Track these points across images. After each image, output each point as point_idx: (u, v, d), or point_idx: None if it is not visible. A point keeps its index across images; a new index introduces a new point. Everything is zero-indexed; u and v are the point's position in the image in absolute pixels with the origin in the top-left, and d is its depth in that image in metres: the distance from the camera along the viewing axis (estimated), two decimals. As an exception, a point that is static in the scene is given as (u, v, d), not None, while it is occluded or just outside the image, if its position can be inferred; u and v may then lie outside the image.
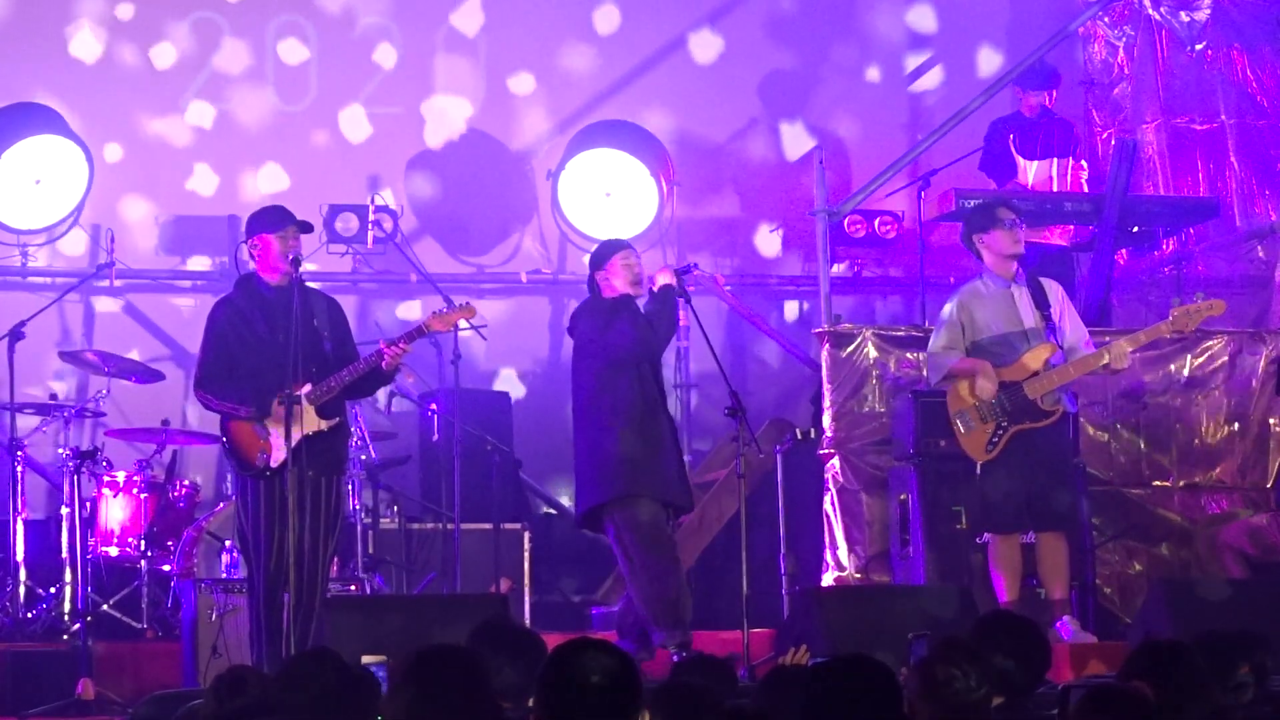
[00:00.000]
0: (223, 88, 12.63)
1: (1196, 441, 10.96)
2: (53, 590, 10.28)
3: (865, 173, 12.44)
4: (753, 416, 9.93)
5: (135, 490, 10.49)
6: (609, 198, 12.80)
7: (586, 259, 9.42)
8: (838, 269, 12.44)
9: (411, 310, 12.45)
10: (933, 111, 12.94)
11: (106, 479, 10.52)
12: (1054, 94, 11.84)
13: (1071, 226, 11.71)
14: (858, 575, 10.56)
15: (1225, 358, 11.02)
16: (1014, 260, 9.57)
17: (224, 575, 9.79)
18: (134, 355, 11.62)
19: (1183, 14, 12.19)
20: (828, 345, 10.86)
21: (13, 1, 12.40)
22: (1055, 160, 11.77)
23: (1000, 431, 9.35)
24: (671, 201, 12.82)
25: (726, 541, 11.23)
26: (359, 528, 10.44)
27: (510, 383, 12.67)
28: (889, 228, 12.64)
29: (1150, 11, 12.27)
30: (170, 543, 10.37)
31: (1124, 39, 12.52)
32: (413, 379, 11.71)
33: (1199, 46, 12.19)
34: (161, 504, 10.51)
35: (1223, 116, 12.19)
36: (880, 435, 10.69)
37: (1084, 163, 11.98)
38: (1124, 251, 12.12)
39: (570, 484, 12.32)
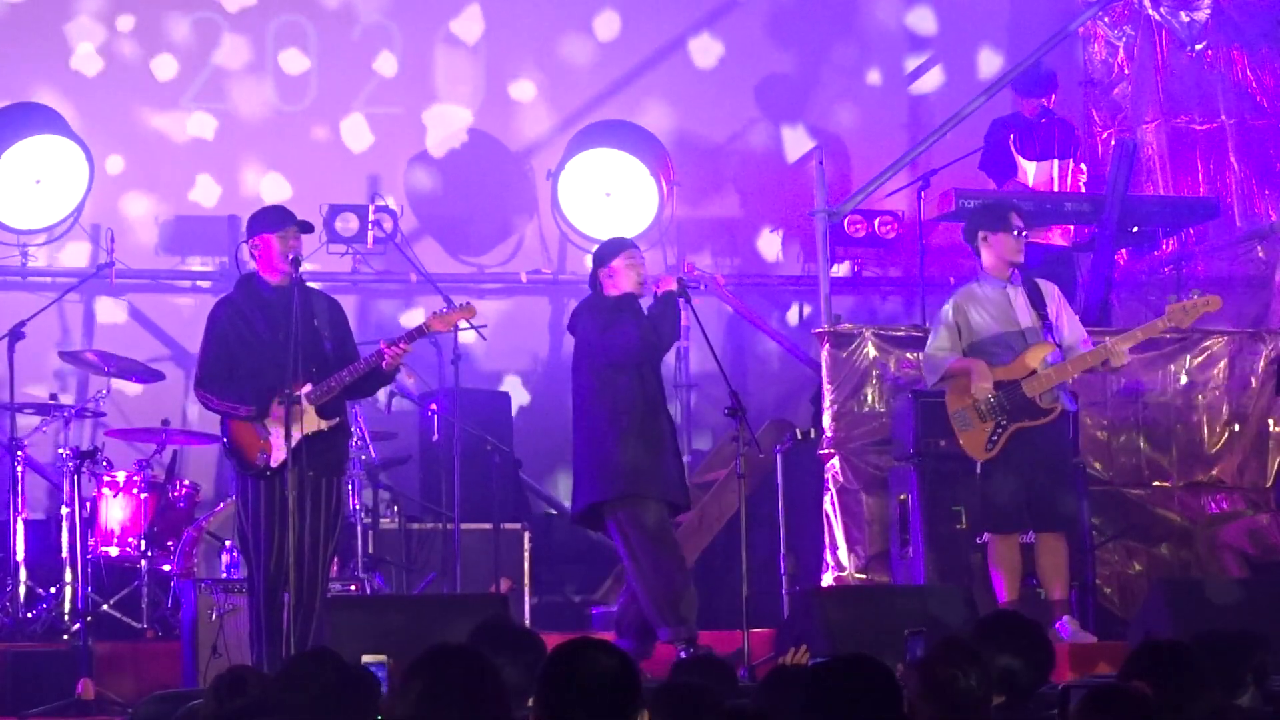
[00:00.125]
0: (223, 87, 12.63)
1: (1196, 441, 10.97)
2: (53, 590, 10.28)
3: (865, 173, 12.44)
4: (753, 416, 9.94)
5: (135, 490, 10.49)
6: (609, 198, 12.80)
7: (589, 259, 9.43)
8: (838, 269, 12.44)
9: (414, 317, 12.44)
10: (933, 112, 12.94)
11: (106, 479, 10.52)
12: (1052, 97, 11.84)
13: (1072, 226, 11.71)
14: (858, 575, 10.56)
15: (1225, 358, 11.02)
16: (1013, 266, 9.57)
17: (224, 575, 9.79)
18: (134, 355, 11.62)
19: (1183, 14, 12.19)
20: (828, 345, 10.86)
21: (13, 4, 12.41)
22: (1056, 161, 11.77)
23: (999, 430, 9.35)
24: (671, 201, 12.82)
25: (726, 541, 11.22)
26: (359, 528, 10.44)
27: (510, 383, 12.67)
28: (889, 228, 12.64)
29: (1150, 11, 12.27)
30: (170, 543, 10.37)
31: (1124, 39, 12.52)
32: (413, 379, 11.71)
33: (1199, 46, 12.18)
34: (161, 504, 10.51)
35: (1222, 116, 12.19)
36: (880, 435, 10.69)
37: (1083, 165, 11.97)
38: (1124, 251, 12.12)
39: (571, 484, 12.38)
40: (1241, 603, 8.75)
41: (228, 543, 9.91)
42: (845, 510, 10.65)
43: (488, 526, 10.85)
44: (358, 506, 10.48)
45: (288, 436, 8.18)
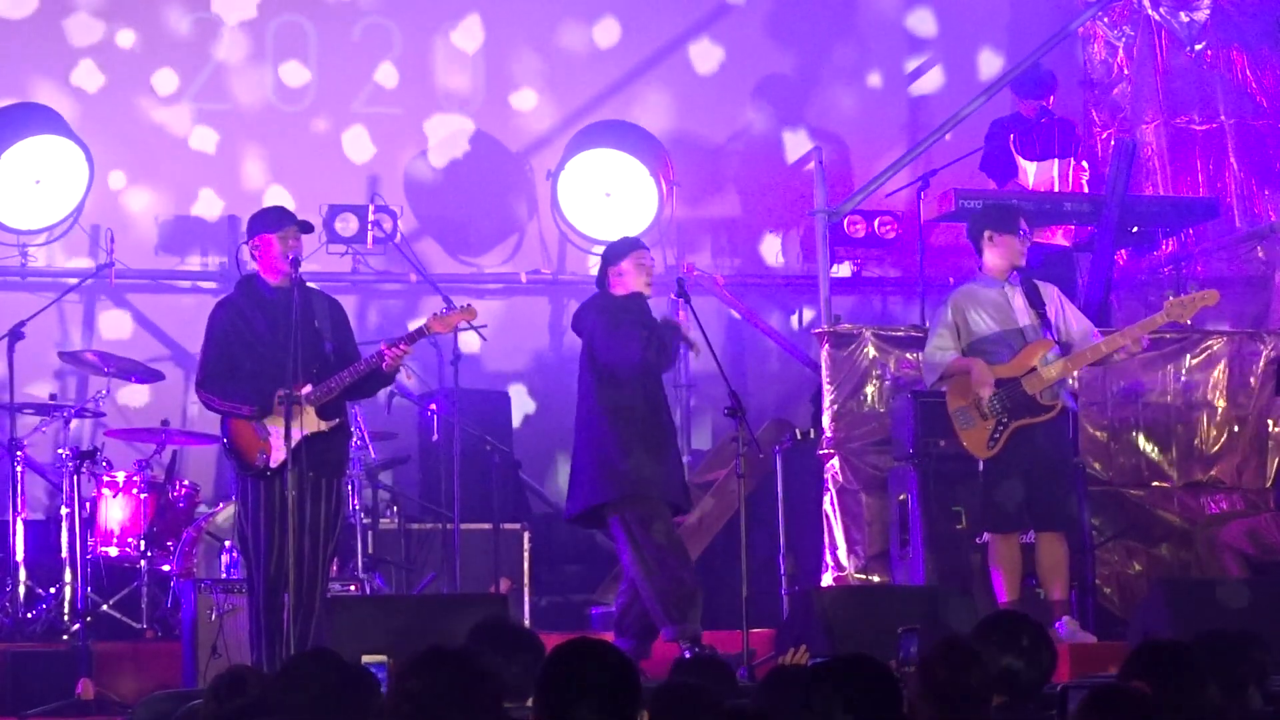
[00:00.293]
0: (223, 87, 12.63)
1: (1196, 441, 10.97)
2: (53, 590, 10.28)
3: (865, 173, 12.45)
4: (753, 416, 9.94)
5: (135, 490, 10.48)
6: (609, 198, 12.79)
7: (593, 261, 9.43)
8: (838, 269, 12.44)
9: (414, 318, 12.45)
10: (933, 113, 12.93)
11: (106, 479, 10.51)
12: (1051, 98, 11.84)
13: (1072, 226, 11.71)
14: (858, 575, 10.56)
15: (1225, 358, 11.03)
16: (1014, 268, 9.57)
17: (224, 575, 9.79)
18: (134, 355, 11.62)
19: (1182, 14, 12.19)
20: (828, 345, 10.87)
21: (13, 4, 12.40)
22: (1056, 161, 11.77)
23: (1001, 428, 9.35)
24: (671, 201, 12.82)
25: (726, 541, 11.22)
26: (359, 528, 10.44)
27: (510, 383, 12.66)
28: (889, 228, 12.64)
29: (1150, 12, 12.27)
30: (170, 543, 10.37)
31: (1124, 39, 12.52)
32: (413, 379, 11.71)
33: (1199, 46, 12.19)
34: (161, 504, 10.51)
35: (1222, 116, 12.20)
36: (880, 435, 10.70)
37: (1085, 164, 11.97)
38: (1124, 251, 12.12)
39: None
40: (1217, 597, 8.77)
41: (227, 543, 9.91)
42: (845, 510, 10.65)
43: (487, 526, 10.85)
44: (357, 506, 10.48)
45: (287, 437, 8.18)
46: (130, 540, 10.39)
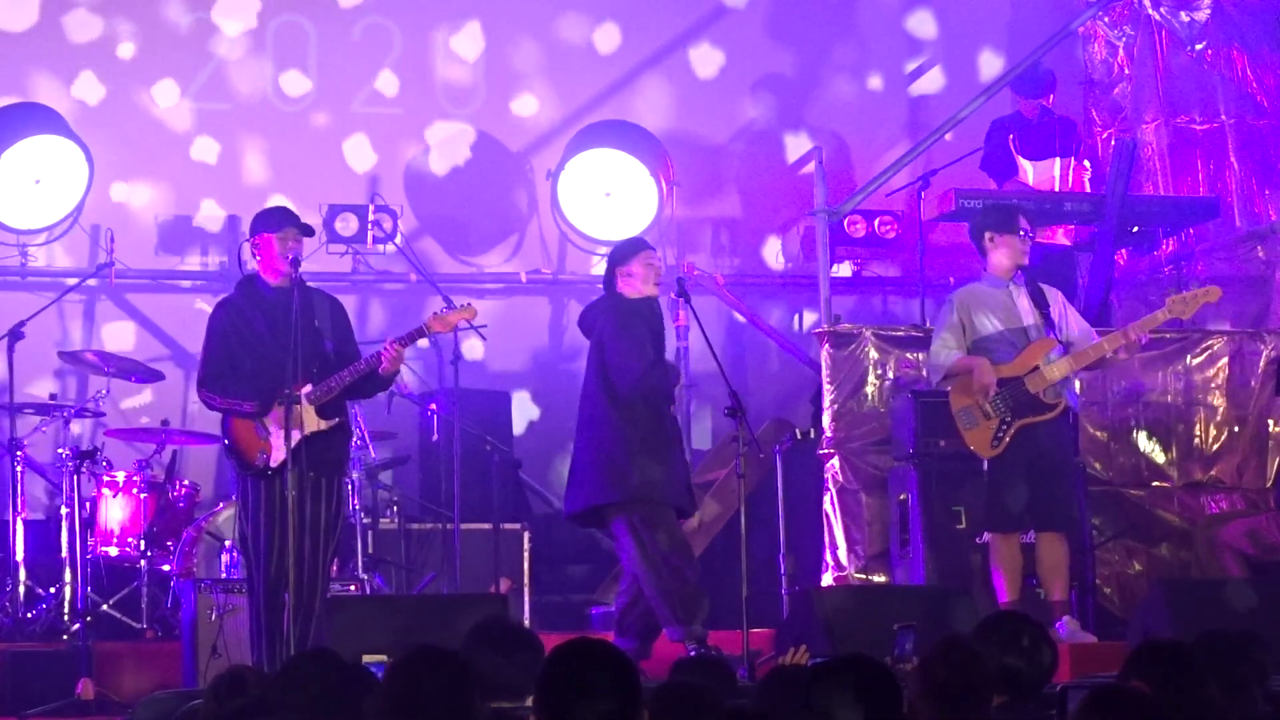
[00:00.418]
0: (223, 86, 12.63)
1: (1196, 441, 10.97)
2: (53, 590, 10.28)
3: (865, 173, 12.44)
4: (753, 416, 9.94)
5: (135, 490, 10.48)
6: (609, 198, 12.79)
7: (594, 261, 9.42)
8: (838, 269, 12.44)
9: (414, 318, 12.45)
10: (933, 113, 12.93)
11: (106, 479, 10.51)
12: (1051, 97, 11.84)
13: (1073, 226, 11.71)
14: (858, 575, 10.56)
15: (1225, 358, 11.03)
16: (1017, 267, 9.58)
17: (224, 575, 9.79)
18: (134, 355, 11.62)
19: (1183, 14, 12.19)
20: (828, 345, 10.87)
21: (14, 15, 12.41)
22: (1057, 160, 11.77)
23: (1004, 427, 9.35)
24: (671, 201, 12.82)
25: (726, 541, 11.22)
26: (359, 528, 10.44)
27: (510, 383, 12.66)
28: (889, 228, 12.64)
29: (1150, 11, 12.27)
30: (170, 543, 10.37)
31: (1124, 39, 12.52)
32: (414, 379, 11.70)
33: (1199, 46, 12.19)
34: (161, 504, 10.51)
35: (1223, 116, 12.20)
36: (880, 435, 10.69)
37: (1087, 163, 11.97)
38: (1124, 251, 12.12)
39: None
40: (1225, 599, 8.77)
41: (227, 543, 9.91)
42: (845, 510, 10.65)
43: (487, 526, 10.84)
44: (357, 506, 10.47)
45: (287, 437, 8.18)
46: (130, 540, 10.40)
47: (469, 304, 8.96)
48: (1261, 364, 11.01)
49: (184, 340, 12.12)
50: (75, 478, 10.16)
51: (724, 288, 12.64)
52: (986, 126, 11.90)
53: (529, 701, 5.04)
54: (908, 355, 10.86)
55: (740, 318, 12.80)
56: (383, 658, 6.54)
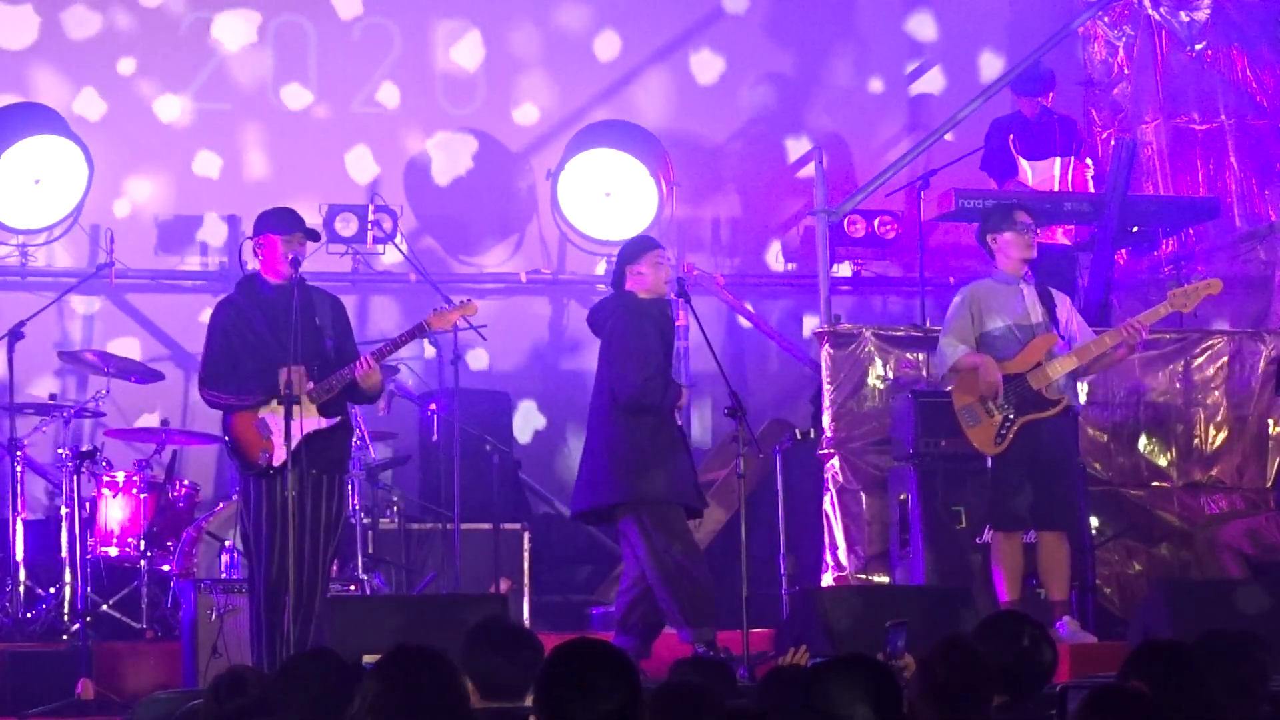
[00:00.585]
0: (223, 86, 12.63)
1: (1196, 441, 10.97)
2: (52, 590, 10.28)
3: (865, 173, 12.44)
4: (753, 416, 9.94)
5: (135, 490, 10.48)
6: (609, 198, 12.79)
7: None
8: (838, 269, 12.45)
9: (413, 318, 12.44)
10: (934, 113, 12.94)
11: (106, 479, 10.51)
12: (1050, 96, 11.84)
13: (1072, 226, 11.71)
14: (858, 575, 10.56)
15: (1225, 358, 11.03)
16: (1025, 263, 9.59)
17: (224, 575, 9.78)
18: (134, 355, 11.62)
19: (1183, 14, 12.19)
20: (828, 345, 10.87)
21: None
22: (1058, 160, 11.77)
23: (1008, 424, 9.36)
24: (671, 201, 12.82)
25: (726, 541, 11.22)
26: (359, 528, 10.44)
27: (510, 383, 12.66)
28: (889, 228, 12.65)
29: (1150, 11, 12.27)
30: (170, 543, 10.37)
31: (1124, 39, 12.52)
32: (412, 380, 11.70)
33: (1199, 46, 12.19)
34: (161, 504, 10.51)
35: (1222, 116, 12.20)
36: (880, 435, 10.70)
37: (1089, 160, 11.97)
38: (1124, 251, 12.12)
39: (568, 483, 12.36)
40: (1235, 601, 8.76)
41: (228, 543, 9.90)
42: (845, 510, 10.65)
43: (487, 526, 10.84)
44: (357, 506, 10.47)
45: (287, 436, 8.18)
46: (130, 540, 10.39)
47: (469, 300, 8.95)
48: (1261, 364, 11.02)
49: (184, 340, 12.13)
50: (75, 478, 10.16)
51: (724, 288, 12.64)
52: (986, 127, 11.91)
53: (529, 701, 5.04)
54: (908, 355, 10.87)
55: (744, 321, 12.79)
56: (382, 658, 6.53)
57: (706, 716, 4.94)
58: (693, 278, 11.84)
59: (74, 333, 12.26)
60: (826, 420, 10.80)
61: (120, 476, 10.53)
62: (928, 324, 11.04)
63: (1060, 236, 11.69)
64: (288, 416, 8.19)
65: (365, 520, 10.58)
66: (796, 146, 13.21)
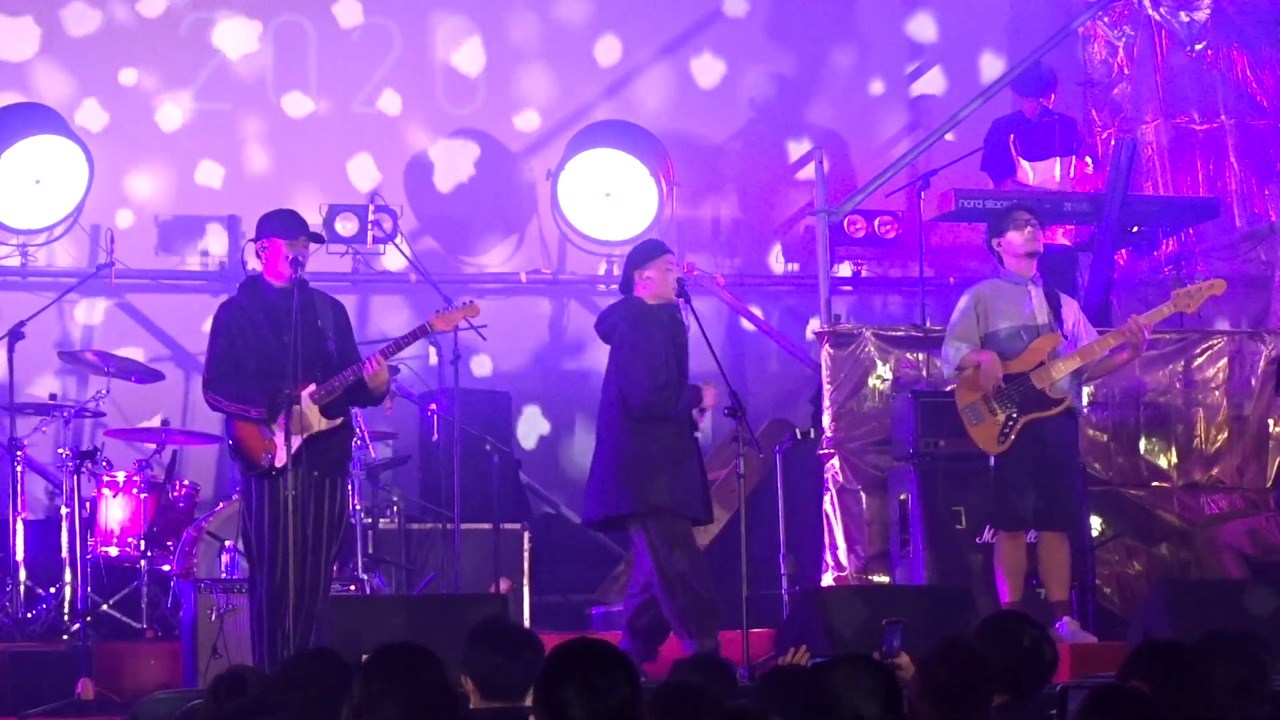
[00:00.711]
0: (224, 86, 12.63)
1: (1196, 441, 10.98)
2: (53, 590, 10.28)
3: (865, 173, 12.44)
4: (753, 416, 9.94)
5: (135, 490, 10.48)
6: (609, 198, 12.79)
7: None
8: (838, 269, 12.44)
9: (413, 318, 12.45)
10: (934, 113, 12.94)
11: (106, 479, 10.51)
12: (1052, 97, 11.84)
13: (1073, 226, 11.71)
14: (857, 575, 10.56)
15: (1225, 358, 11.03)
16: (1032, 259, 9.58)
17: (224, 575, 9.78)
18: (134, 355, 11.62)
19: (1183, 14, 12.19)
20: (828, 345, 10.87)
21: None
22: (1058, 160, 11.77)
23: (1011, 422, 9.36)
24: (671, 201, 12.81)
25: (726, 541, 11.21)
26: (359, 528, 10.44)
27: (510, 383, 12.66)
28: (889, 228, 12.64)
29: (1150, 11, 12.27)
30: (170, 543, 10.37)
31: (1124, 39, 12.52)
32: (409, 373, 11.69)
33: (1199, 46, 12.19)
34: (161, 504, 10.51)
35: (1222, 116, 12.20)
36: (880, 435, 10.70)
37: (1088, 159, 11.97)
38: (1124, 251, 12.12)
39: (570, 484, 12.37)
40: (1241, 602, 8.75)
41: (228, 543, 9.90)
42: (845, 510, 10.66)
43: (487, 526, 10.84)
44: (358, 506, 10.47)
45: (287, 437, 8.18)
46: (130, 540, 10.39)
47: (471, 301, 8.95)
48: (1261, 364, 11.02)
49: (184, 340, 12.13)
50: (75, 478, 10.16)
51: (724, 288, 12.64)
52: (987, 127, 11.91)
53: (529, 701, 5.05)
54: (908, 355, 10.87)
55: (748, 325, 12.79)
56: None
57: (706, 716, 4.94)
58: (692, 278, 11.83)
59: (74, 333, 12.26)
60: (826, 420, 10.80)
61: (120, 476, 10.53)
62: (928, 324, 11.04)
63: (1060, 237, 11.69)
64: (288, 417, 8.19)
65: (365, 520, 10.58)
66: (797, 146, 13.21)
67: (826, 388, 10.84)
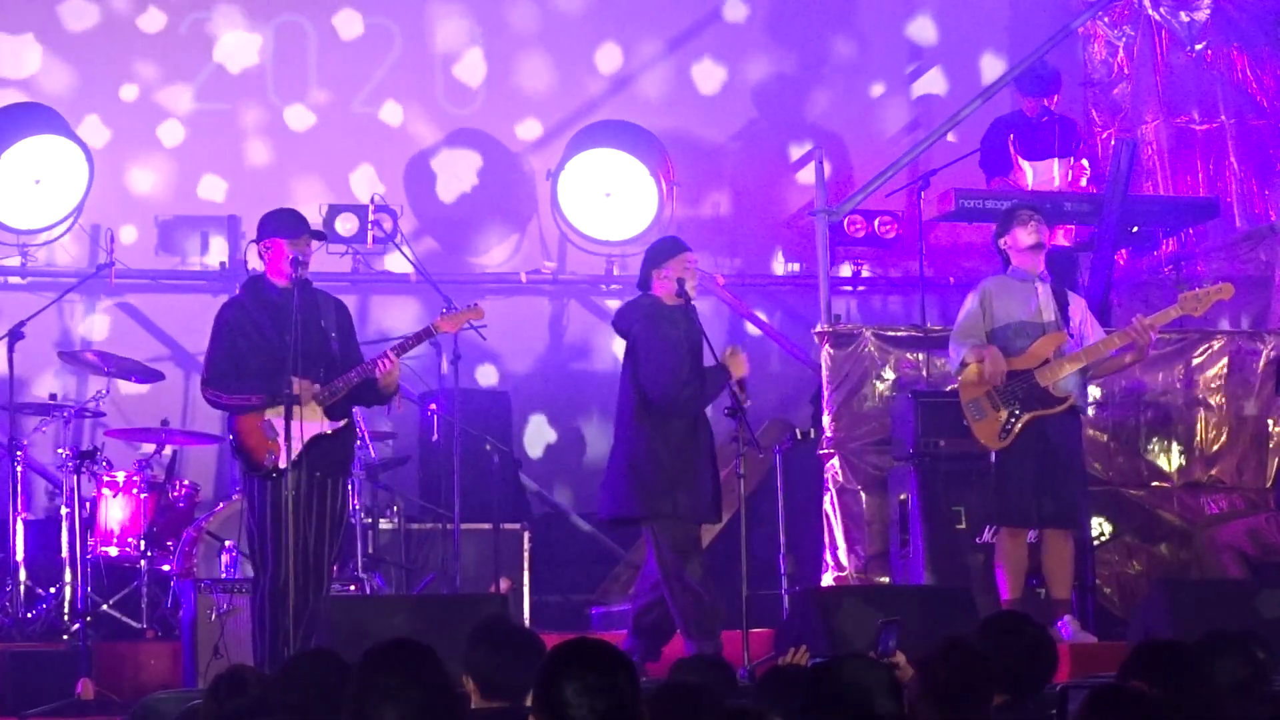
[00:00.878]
0: (223, 86, 12.63)
1: (1196, 441, 10.98)
2: (53, 590, 10.28)
3: (865, 173, 12.44)
4: (753, 416, 9.92)
5: (135, 490, 10.48)
6: (609, 198, 12.79)
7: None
8: (839, 269, 12.44)
9: (412, 318, 12.44)
10: (934, 113, 12.94)
11: (106, 479, 10.51)
12: (1056, 98, 11.83)
13: (1073, 226, 11.71)
14: (857, 575, 10.56)
15: (1225, 358, 11.03)
16: (1038, 252, 9.57)
17: (224, 575, 9.79)
18: (134, 355, 11.62)
19: (1183, 14, 12.19)
20: (828, 345, 10.87)
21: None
22: (1057, 160, 11.77)
23: (1013, 419, 9.35)
24: (671, 201, 12.82)
25: (726, 541, 11.21)
26: (359, 528, 10.44)
27: (510, 383, 12.66)
28: (889, 228, 12.65)
29: (1150, 11, 12.28)
30: (170, 543, 10.37)
31: (1124, 39, 12.52)
32: (411, 376, 11.69)
33: (1199, 46, 12.19)
34: (161, 504, 10.51)
35: (1222, 116, 12.20)
36: (880, 435, 10.70)
37: (1085, 162, 11.97)
38: (1124, 251, 12.12)
39: (570, 484, 12.39)
40: (1241, 603, 8.75)
41: (228, 543, 9.90)
42: (845, 510, 10.66)
43: (487, 526, 10.85)
44: (358, 506, 10.48)
45: (288, 437, 8.18)
46: (130, 540, 10.40)
47: (476, 304, 8.95)
48: (1261, 364, 11.02)
49: (184, 340, 12.13)
50: (75, 478, 10.16)
51: (724, 288, 12.63)
52: (987, 127, 11.90)
53: (529, 701, 5.04)
54: (908, 355, 10.87)
55: (753, 328, 12.79)
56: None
57: (706, 716, 4.94)
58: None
59: (74, 333, 12.26)
60: (826, 420, 10.80)
61: (120, 476, 10.53)
62: (928, 324, 11.04)
63: (1060, 237, 11.68)
64: (288, 417, 8.19)
65: (365, 520, 10.59)
66: (797, 147, 13.21)
67: (826, 388, 10.84)
